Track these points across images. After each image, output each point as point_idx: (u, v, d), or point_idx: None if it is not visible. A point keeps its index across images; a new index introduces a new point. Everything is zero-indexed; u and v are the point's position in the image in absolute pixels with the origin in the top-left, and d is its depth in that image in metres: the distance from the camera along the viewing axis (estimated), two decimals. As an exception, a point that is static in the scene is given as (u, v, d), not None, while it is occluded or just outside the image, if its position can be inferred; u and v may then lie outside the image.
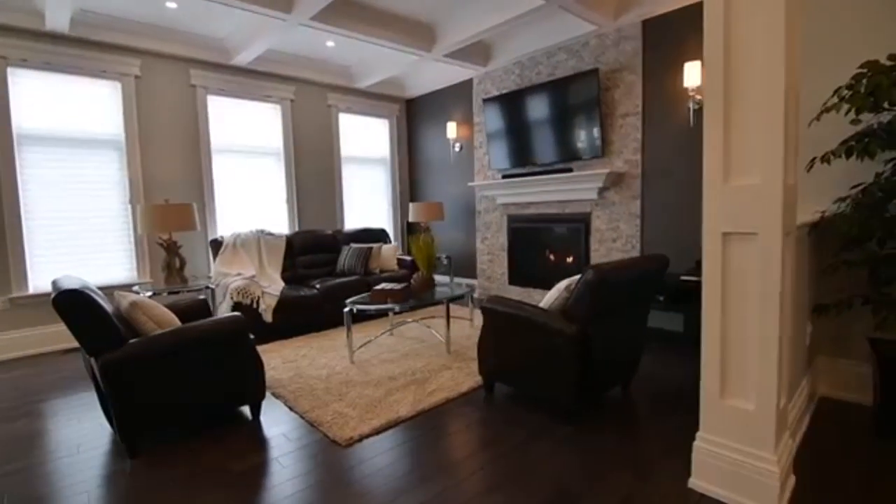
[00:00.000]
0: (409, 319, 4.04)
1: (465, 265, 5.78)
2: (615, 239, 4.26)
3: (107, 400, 2.01)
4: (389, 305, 3.30)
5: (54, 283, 2.32)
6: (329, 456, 2.09)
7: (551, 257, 4.92)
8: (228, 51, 4.58)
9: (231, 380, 2.35)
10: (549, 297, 2.47)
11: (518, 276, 5.15)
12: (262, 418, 2.49)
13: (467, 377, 2.95)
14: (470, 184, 5.33)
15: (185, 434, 2.32)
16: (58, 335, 3.88)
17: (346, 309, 3.30)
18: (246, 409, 2.56)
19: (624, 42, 4.03)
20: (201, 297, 3.03)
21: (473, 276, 5.65)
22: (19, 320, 3.77)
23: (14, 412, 2.68)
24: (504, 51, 4.88)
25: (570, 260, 4.75)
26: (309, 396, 2.72)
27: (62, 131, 3.89)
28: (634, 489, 1.78)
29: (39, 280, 3.85)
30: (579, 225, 4.51)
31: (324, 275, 4.90)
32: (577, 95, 4.27)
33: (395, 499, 1.77)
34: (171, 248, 3.72)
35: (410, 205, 5.51)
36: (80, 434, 2.37)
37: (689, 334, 3.52)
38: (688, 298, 3.42)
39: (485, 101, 5.05)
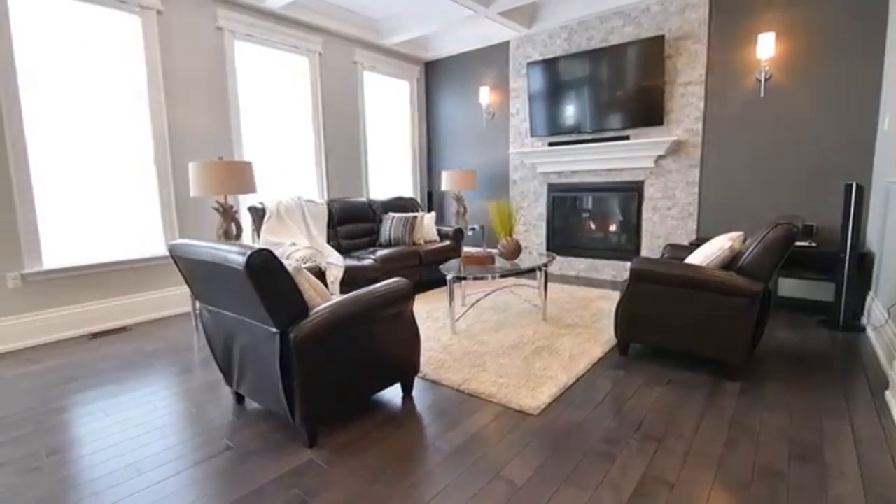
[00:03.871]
0: (482, 290, 3.89)
1: (492, 236, 5.68)
2: (670, 207, 4.38)
3: (289, 381, 1.72)
4: (490, 271, 3.14)
5: (174, 248, 1.93)
6: (533, 425, 1.96)
7: (592, 226, 4.97)
8: (259, -10, 4.01)
9: (396, 352, 2.11)
10: (706, 256, 2.47)
11: (558, 246, 5.15)
12: (414, 395, 2.28)
13: (588, 341, 2.91)
14: (510, 151, 5.19)
15: (344, 418, 2.06)
16: (81, 317, 3.28)
17: (449, 277, 3.10)
18: (387, 392, 2.33)
19: (689, 10, 4.06)
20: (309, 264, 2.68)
21: (503, 247, 5.55)
22: (34, 301, 3.12)
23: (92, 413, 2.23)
24: (552, 13, 4.73)
25: (613, 228, 4.83)
26: (445, 369, 2.53)
27: (74, 74, 3.20)
28: (855, 435, 1.85)
29: (53, 253, 3.20)
30: (631, 193, 4.58)
31: (366, 245, 4.58)
32: (637, 62, 4.25)
33: (654, 452, 1.69)
34: (228, 213, 3.26)
35: (443, 172, 5.27)
36: (210, 429, 2.01)
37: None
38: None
39: (529, 65, 4.89)
